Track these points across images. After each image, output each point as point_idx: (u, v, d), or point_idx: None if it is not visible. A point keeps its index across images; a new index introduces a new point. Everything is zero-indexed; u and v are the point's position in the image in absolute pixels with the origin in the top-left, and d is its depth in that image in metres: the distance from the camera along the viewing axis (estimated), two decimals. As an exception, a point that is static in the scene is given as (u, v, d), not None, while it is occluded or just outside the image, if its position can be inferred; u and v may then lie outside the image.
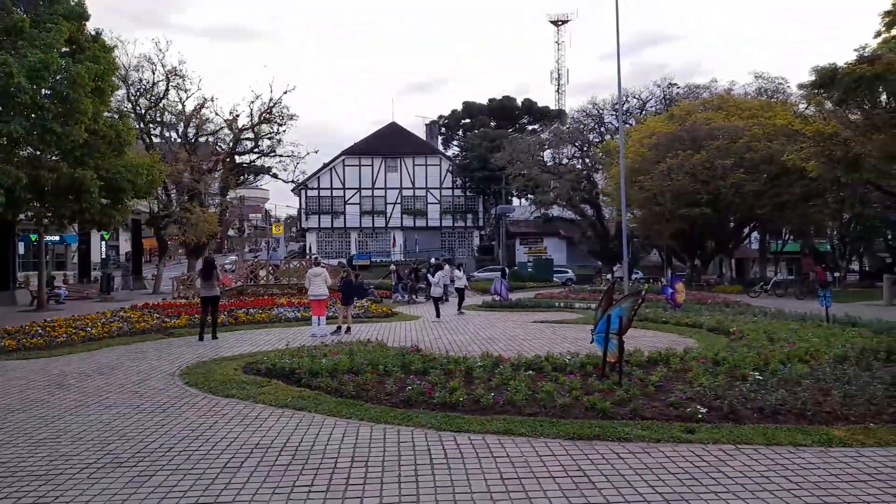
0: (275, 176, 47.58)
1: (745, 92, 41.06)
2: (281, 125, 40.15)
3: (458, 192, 65.23)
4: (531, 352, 10.01)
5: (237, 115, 39.15)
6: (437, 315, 17.42)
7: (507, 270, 36.56)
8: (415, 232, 63.41)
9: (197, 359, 10.17)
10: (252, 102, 41.79)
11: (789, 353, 8.74)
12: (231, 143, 40.89)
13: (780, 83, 40.59)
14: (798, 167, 26.11)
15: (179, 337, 13.50)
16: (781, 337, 10.59)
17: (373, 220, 64.18)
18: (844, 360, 8.23)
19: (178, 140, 38.56)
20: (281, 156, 42.10)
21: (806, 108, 26.44)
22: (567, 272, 50.92)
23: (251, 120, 39.32)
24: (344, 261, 44.89)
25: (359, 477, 4.51)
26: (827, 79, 17.77)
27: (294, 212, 73.14)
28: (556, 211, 55.11)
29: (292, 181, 48.51)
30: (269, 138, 41.19)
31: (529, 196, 56.81)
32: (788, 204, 30.76)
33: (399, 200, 64.34)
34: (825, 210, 33.90)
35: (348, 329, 14.35)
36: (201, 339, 12.82)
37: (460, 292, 20.12)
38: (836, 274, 34.54)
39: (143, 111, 36.17)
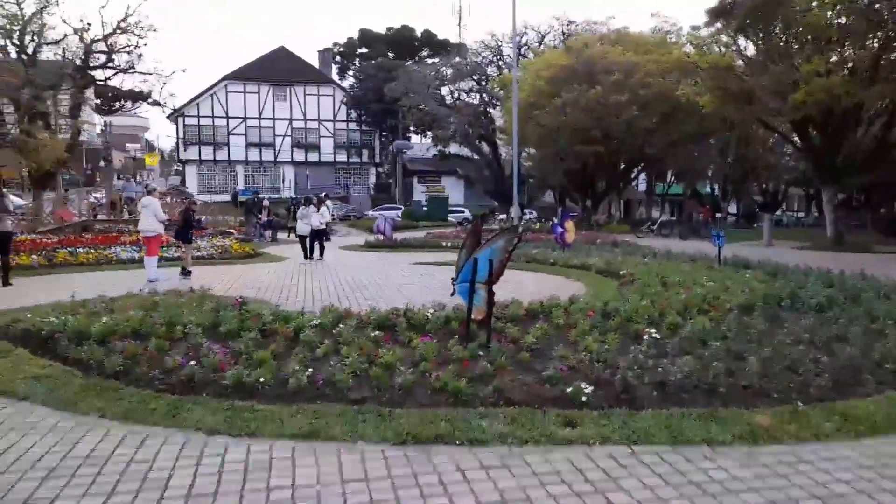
0: (156, 103, 41.88)
1: (640, 31, 40.67)
2: (141, 37, 34.90)
3: (353, 125, 61.73)
4: (398, 301, 8.27)
5: (89, 24, 33.51)
6: (305, 256, 15.29)
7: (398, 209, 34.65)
8: (306, 167, 59.60)
9: (-51, 315, 7.53)
10: (103, 7, 36.09)
11: (686, 301, 7.54)
12: (82, 56, 35.15)
13: (675, 24, 40.49)
14: (690, 105, 25.78)
15: (-41, 284, 10.55)
16: (675, 281, 9.51)
17: (260, 153, 59.51)
18: (749, 311, 7.11)
19: (16, 49, 32.52)
20: (143, 73, 36.81)
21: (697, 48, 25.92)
22: (463, 211, 49.73)
23: (104, 30, 33.85)
24: (188, 190, 40.38)
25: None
26: (726, 6, 16.80)
27: (180, 143, 66.37)
28: (454, 149, 53.58)
29: (158, 103, 43.05)
30: (128, 52, 35.81)
31: (428, 132, 54.76)
32: (678, 143, 30.83)
33: (289, 132, 59.90)
34: (710, 152, 34.56)
35: (188, 272, 11.97)
36: (-15, 286, 10.03)
37: (319, 234, 15.73)
38: (719, 215, 35.64)
39: (-41, 10, 29.85)
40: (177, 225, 12.93)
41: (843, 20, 17.23)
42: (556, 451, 3.52)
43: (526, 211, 48.32)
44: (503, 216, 43.32)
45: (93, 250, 14.85)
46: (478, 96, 50.50)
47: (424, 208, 45.47)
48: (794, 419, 3.96)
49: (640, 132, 30.17)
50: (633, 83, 29.27)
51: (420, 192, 58.19)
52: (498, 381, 4.44)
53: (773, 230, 24.26)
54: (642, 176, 45.87)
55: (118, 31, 34.09)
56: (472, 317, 5.47)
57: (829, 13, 17.26)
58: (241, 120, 58.61)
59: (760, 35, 17.47)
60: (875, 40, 17.41)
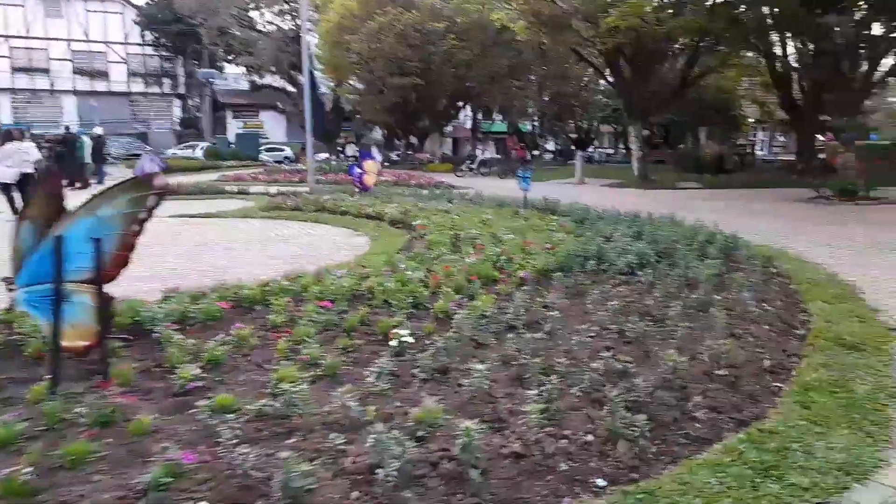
0: None
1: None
2: None
3: (150, 50, 53.27)
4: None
5: None
6: (13, 211, 11.44)
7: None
8: (93, 97, 50.63)
9: None
10: None
11: (472, 267, 5.70)
12: None
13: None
14: (508, 38, 24.52)
15: None
16: (471, 235, 7.74)
17: (32, 79, 49.31)
18: (548, 276, 5.46)
19: None
20: None
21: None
22: (284, 150, 45.28)
23: None
24: None
25: None
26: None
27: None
28: (273, 80, 48.58)
29: None
30: None
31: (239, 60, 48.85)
32: (498, 78, 29.74)
33: (69, 56, 50.12)
34: (529, 88, 34.08)
35: None
36: None
37: (21, 183, 11.04)
38: (535, 152, 35.69)
39: None
40: None
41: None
42: None
43: (350, 148, 45.24)
44: (325, 155, 40.01)
45: None
46: (290, 19, 45.47)
47: (232, 146, 40.63)
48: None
49: (460, 64, 28.55)
50: (450, 10, 27.32)
51: (236, 128, 52.42)
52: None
53: (585, 167, 24.19)
54: (469, 112, 44.96)
55: None
56: (66, 345, 3.00)
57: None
58: (1, 39, 47.98)
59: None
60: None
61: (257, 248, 8.16)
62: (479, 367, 3.13)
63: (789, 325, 4.51)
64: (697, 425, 2.94)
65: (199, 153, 38.48)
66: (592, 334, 4.05)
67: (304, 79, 43.37)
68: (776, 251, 7.38)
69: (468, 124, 50.58)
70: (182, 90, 55.72)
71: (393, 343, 3.80)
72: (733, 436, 2.80)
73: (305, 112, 16.09)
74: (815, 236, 9.56)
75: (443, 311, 4.48)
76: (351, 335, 4.01)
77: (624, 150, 49.18)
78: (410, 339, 3.82)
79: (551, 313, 4.29)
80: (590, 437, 2.72)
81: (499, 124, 50.01)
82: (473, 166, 27.29)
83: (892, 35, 20.39)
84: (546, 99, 37.19)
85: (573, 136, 45.80)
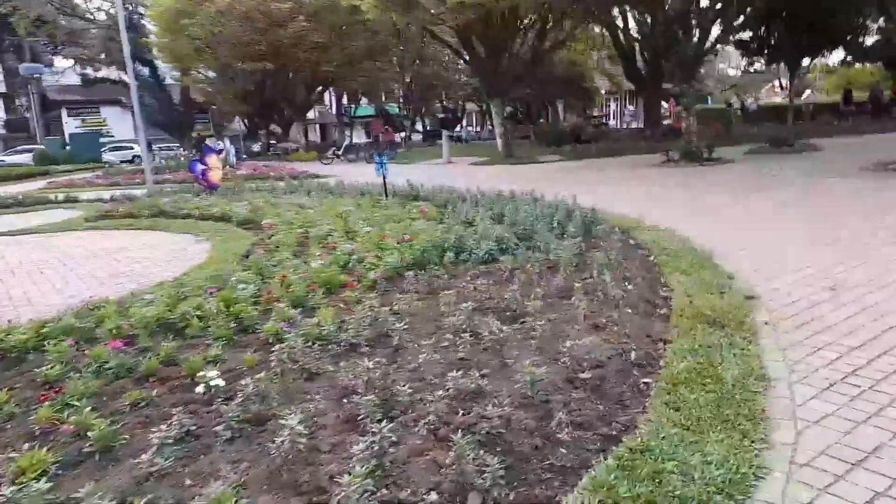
0: None
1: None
2: None
3: (-44, 43, 46.33)
4: None
5: None
6: None
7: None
8: None
9: None
10: None
11: (317, 273, 5.00)
12: None
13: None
14: (362, 21, 23.55)
15: None
16: (322, 233, 6.99)
17: None
18: (400, 276, 4.90)
19: None
20: None
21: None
22: (133, 147, 41.08)
23: None
24: None
25: None
26: None
27: None
28: (110, 73, 44.03)
29: None
30: None
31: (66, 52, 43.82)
32: (356, 60, 28.69)
33: None
34: (390, 70, 33.34)
35: None
36: None
37: None
38: (403, 134, 35.14)
39: None
40: None
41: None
42: None
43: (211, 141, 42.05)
44: (177, 149, 36.90)
45: None
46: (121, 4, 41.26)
47: (67, 147, 36.33)
48: None
49: (314, 47, 27.14)
50: (297, -12, 25.80)
51: (75, 128, 47.03)
52: None
53: (454, 146, 24.02)
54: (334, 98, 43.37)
55: None
56: None
57: None
58: None
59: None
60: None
61: (70, 270, 6.88)
62: (294, 420, 2.46)
63: (652, 304, 4.27)
64: (562, 450, 2.49)
65: (23, 159, 34.12)
66: (445, 343, 3.52)
67: (134, 67, 39.73)
68: (633, 221, 7.33)
69: (335, 109, 48.94)
70: (4, 89, 49.16)
71: (199, 389, 3.04)
72: (602, 462, 2.37)
73: (133, 102, 14.31)
74: (667, 201, 9.80)
75: (274, 335, 3.76)
76: (147, 384, 3.18)
77: (490, 128, 50.04)
78: (220, 382, 3.07)
79: (399, 324, 3.71)
80: (433, 497, 2.16)
81: (365, 108, 48.87)
82: (339, 153, 26.22)
83: (717, 6, 21.90)
84: (408, 80, 36.62)
85: (440, 116, 45.73)
